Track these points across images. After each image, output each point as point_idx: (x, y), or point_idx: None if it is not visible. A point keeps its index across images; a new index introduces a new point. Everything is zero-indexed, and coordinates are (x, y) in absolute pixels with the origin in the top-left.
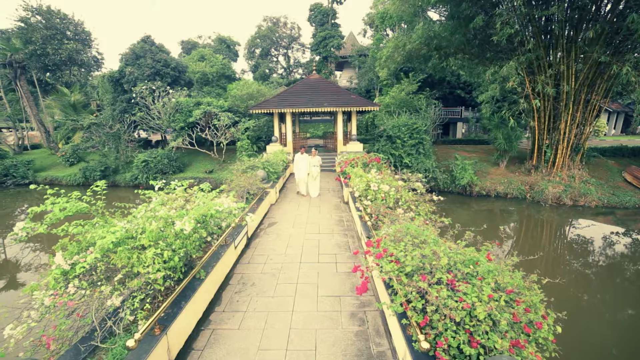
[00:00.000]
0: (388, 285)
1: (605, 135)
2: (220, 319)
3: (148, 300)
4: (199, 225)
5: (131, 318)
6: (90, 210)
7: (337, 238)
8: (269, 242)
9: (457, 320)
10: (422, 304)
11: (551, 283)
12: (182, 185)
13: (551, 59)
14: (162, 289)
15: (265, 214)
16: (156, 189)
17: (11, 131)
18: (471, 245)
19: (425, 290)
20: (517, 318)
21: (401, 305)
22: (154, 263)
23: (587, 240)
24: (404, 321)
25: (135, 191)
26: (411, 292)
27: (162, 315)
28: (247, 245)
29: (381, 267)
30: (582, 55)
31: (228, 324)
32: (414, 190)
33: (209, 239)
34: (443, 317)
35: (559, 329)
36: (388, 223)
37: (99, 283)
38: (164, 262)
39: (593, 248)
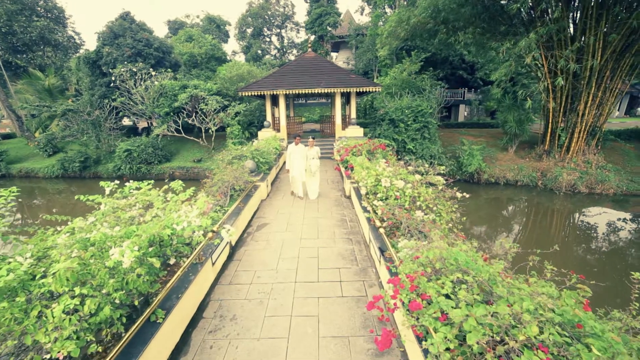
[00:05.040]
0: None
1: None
2: None
3: None
4: (151, 249)
5: None
6: None
7: (340, 245)
8: (257, 251)
9: None
10: None
11: None
12: (140, 188)
13: (575, 30)
14: None
15: (254, 213)
16: (107, 192)
17: None
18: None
19: None
20: None
21: None
22: (64, 324)
23: None
24: None
25: (77, 197)
26: None
27: None
28: (230, 257)
29: (422, 328)
30: (608, 25)
31: None
32: (431, 184)
33: (172, 261)
34: None
35: None
36: (410, 238)
37: None
38: (89, 314)
39: None
